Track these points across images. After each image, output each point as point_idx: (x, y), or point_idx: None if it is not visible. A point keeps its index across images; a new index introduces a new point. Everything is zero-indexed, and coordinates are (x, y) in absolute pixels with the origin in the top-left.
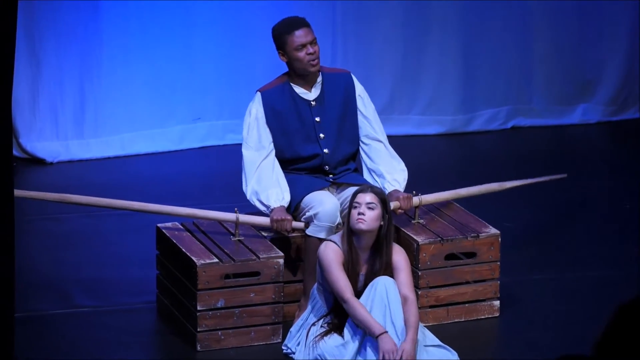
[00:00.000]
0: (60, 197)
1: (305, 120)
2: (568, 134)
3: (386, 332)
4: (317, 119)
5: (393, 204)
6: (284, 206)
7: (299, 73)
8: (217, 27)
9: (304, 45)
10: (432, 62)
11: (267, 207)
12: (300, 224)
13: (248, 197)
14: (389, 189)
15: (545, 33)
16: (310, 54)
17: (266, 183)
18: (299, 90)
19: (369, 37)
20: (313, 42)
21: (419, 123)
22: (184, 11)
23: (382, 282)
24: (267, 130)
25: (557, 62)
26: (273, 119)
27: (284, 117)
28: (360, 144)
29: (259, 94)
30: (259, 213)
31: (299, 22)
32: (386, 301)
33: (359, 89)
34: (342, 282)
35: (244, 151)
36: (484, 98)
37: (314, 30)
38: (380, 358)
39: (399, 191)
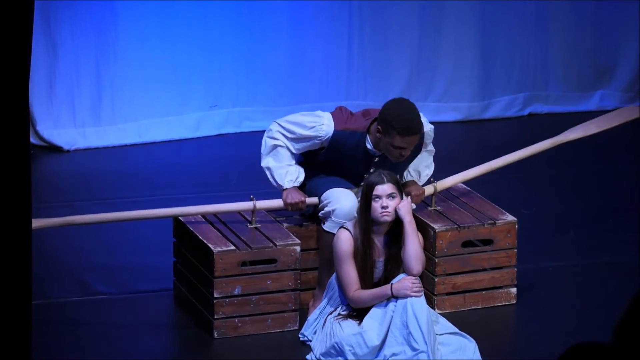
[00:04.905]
0: (64, 221)
1: (362, 166)
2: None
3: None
4: (373, 169)
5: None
6: (296, 187)
7: (378, 147)
8: (234, 14)
9: (402, 148)
10: (449, 49)
11: (280, 185)
12: (314, 199)
13: (263, 167)
14: (407, 178)
15: (562, 19)
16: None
17: (283, 161)
18: (369, 145)
19: (386, 24)
20: (408, 148)
21: (435, 110)
22: None
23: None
24: (311, 150)
25: (574, 48)
26: (331, 154)
27: (342, 159)
28: None
29: (333, 127)
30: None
31: (414, 131)
32: (415, 324)
33: (428, 142)
34: (350, 277)
35: (279, 133)
36: (501, 85)
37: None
38: (409, 293)
39: (415, 183)
